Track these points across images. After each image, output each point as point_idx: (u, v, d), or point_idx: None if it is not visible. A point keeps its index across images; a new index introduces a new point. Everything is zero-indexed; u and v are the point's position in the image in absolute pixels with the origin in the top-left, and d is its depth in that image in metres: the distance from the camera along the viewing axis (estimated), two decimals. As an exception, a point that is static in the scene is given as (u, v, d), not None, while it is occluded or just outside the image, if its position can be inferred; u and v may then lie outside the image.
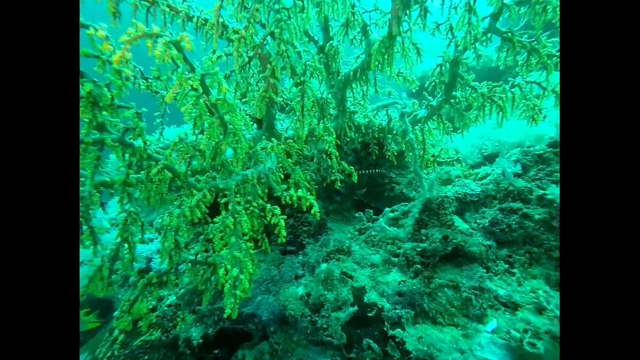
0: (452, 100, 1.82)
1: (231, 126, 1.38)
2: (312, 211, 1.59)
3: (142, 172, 1.35)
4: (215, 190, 1.50)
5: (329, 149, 1.96)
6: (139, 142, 1.28)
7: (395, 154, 2.80)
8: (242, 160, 1.46)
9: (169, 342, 2.02)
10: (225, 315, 1.18)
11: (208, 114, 1.22)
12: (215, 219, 1.33)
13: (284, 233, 1.53)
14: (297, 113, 1.96)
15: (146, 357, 2.00)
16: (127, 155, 1.24)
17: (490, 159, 2.92)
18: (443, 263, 1.88)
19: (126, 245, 1.35)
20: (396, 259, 1.97)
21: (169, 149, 1.28)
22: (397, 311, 1.72)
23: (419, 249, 1.89)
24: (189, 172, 1.52)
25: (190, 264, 1.51)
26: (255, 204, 1.57)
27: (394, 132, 2.58)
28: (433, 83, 1.83)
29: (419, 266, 1.84)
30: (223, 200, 1.47)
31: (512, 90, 1.74)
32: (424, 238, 1.99)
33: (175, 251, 1.36)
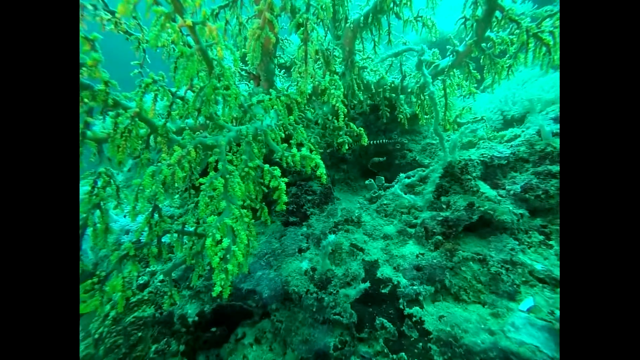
0: (484, 44, 1.52)
1: (218, 67, 1.10)
2: (318, 172, 1.35)
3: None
4: (202, 147, 1.25)
5: (337, 104, 1.69)
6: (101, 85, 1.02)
7: (408, 116, 2.52)
8: (233, 109, 1.20)
9: (163, 319, 1.86)
10: (214, 294, 0.97)
11: (183, 44, 0.95)
12: (202, 179, 1.09)
13: (284, 198, 1.30)
14: (299, 62, 1.67)
15: (139, 334, 1.86)
16: (85, 100, 0.98)
17: (514, 121, 2.62)
18: (466, 234, 1.66)
19: (98, 213, 1.12)
20: (413, 230, 1.75)
21: (139, 92, 1.02)
22: (414, 287, 1.52)
23: (439, 219, 1.67)
24: (171, 129, 1.26)
25: (176, 235, 1.29)
26: (252, 165, 1.32)
27: (409, 90, 2.28)
28: (462, 20, 1.51)
29: (439, 237, 1.62)
30: (212, 159, 1.23)
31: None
32: (444, 207, 1.76)
33: (155, 220, 1.13)
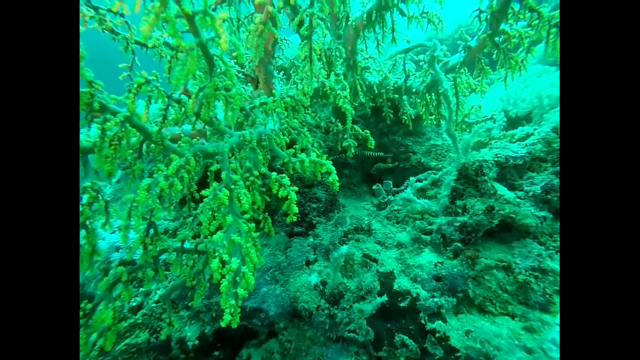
0: (497, 38, 1.43)
1: (219, 63, 0.98)
2: (330, 179, 1.23)
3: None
4: (203, 155, 1.12)
5: (344, 106, 1.57)
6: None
7: (413, 117, 2.43)
8: (236, 113, 1.08)
9: (159, 344, 1.70)
10: (223, 324, 0.84)
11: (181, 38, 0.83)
12: (204, 192, 0.96)
13: (295, 209, 1.18)
14: (303, 61, 1.56)
15: (133, 363, 1.69)
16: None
17: (519, 120, 2.56)
18: (485, 240, 1.56)
19: (83, 233, 0.98)
20: (428, 237, 1.64)
21: (130, 94, 0.89)
22: (435, 299, 1.40)
23: (457, 224, 1.56)
24: (167, 136, 1.13)
25: (175, 254, 1.15)
26: (257, 173, 1.20)
27: (413, 90, 2.19)
28: (476, 13, 1.42)
29: (458, 244, 1.51)
30: (214, 168, 1.10)
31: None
32: (459, 211, 1.66)
33: (151, 238, 1.00)
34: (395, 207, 1.85)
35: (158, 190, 0.90)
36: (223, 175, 1.05)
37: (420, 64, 2.04)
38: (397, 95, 2.36)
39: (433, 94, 2.11)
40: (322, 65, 1.95)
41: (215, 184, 1.02)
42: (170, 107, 1.02)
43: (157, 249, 1.05)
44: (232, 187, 1.03)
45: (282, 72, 2.64)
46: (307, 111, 2.12)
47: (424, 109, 2.29)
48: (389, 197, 1.92)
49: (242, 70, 2.01)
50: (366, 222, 1.78)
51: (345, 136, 2.05)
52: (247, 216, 1.05)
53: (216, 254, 0.89)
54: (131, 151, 1.04)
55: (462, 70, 1.63)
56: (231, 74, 0.96)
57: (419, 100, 2.25)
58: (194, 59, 0.81)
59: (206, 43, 0.90)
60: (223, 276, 0.89)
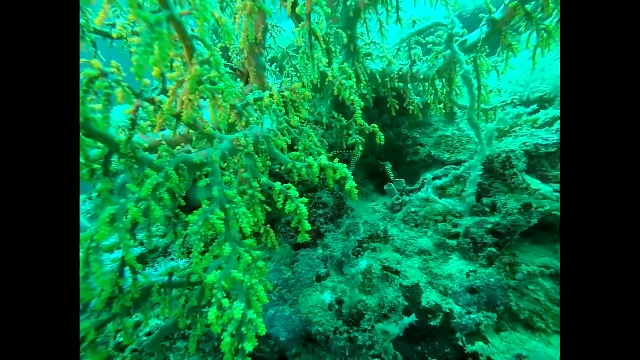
0: (529, 5, 1.21)
1: (200, 45, 0.75)
2: (347, 186, 1.02)
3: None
4: (187, 166, 0.89)
5: (350, 98, 1.35)
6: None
7: (421, 107, 2.22)
8: (226, 111, 0.86)
9: (155, 383, 1.48)
10: (229, 396, 0.63)
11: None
12: (190, 217, 0.74)
13: (306, 226, 0.96)
14: (301, 48, 1.33)
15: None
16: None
17: (531, 102, 2.37)
18: (520, 242, 1.36)
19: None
20: (454, 242, 1.45)
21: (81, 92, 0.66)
22: (472, 316, 1.21)
23: (488, 226, 1.37)
24: (141, 144, 0.90)
25: (160, 289, 0.92)
26: (256, 185, 0.98)
27: (421, 76, 1.98)
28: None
29: (492, 249, 1.32)
30: (202, 183, 0.87)
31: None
32: (487, 209, 1.46)
33: (121, 284, 0.77)
34: (412, 209, 1.64)
35: (130, 220, 0.68)
36: (214, 191, 0.83)
37: (429, 46, 1.83)
38: (402, 84, 2.14)
39: (444, 79, 1.90)
40: (321, 52, 1.72)
41: (205, 204, 0.80)
42: (141, 108, 0.79)
43: (137, 290, 0.83)
44: (228, 206, 0.81)
45: (274, 64, 2.39)
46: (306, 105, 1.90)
47: (432, 97, 2.09)
48: (404, 197, 1.71)
49: (230, 63, 1.78)
50: (381, 228, 1.57)
51: (350, 132, 1.83)
52: (248, 242, 0.83)
53: (215, 300, 0.67)
54: (96, 166, 0.81)
55: (483, 48, 1.43)
56: (217, 61, 0.73)
57: (427, 88, 2.04)
58: (164, 39, 0.58)
59: (180, 19, 0.66)
60: (224, 328, 0.67)
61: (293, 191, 0.96)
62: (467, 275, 1.31)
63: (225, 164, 1.01)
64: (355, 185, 1.03)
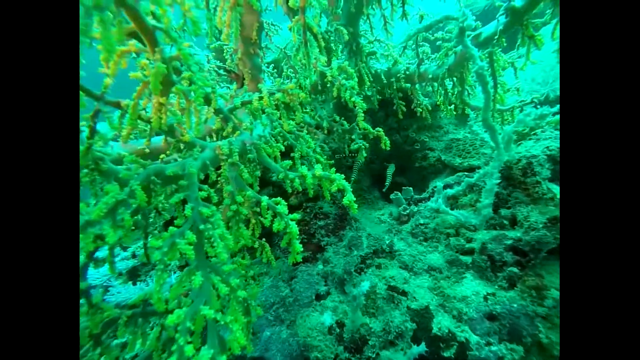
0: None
1: (162, 36, 0.64)
2: (345, 200, 0.89)
3: None
4: (158, 182, 0.77)
5: (352, 99, 1.22)
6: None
7: (430, 108, 2.08)
8: (203, 114, 0.74)
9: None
10: None
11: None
12: (152, 241, 0.62)
13: (298, 247, 0.83)
14: (296, 44, 1.21)
15: None
16: None
17: (550, 103, 2.19)
18: (547, 261, 1.20)
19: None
20: (468, 258, 1.29)
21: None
22: (493, 348, 1.05)
23: (507, 242, 1.21)
24: (111, 155, 0.78)
25: (127, 319, 0.81)
26: (241, 199, 0.85)
27: (430, 76, 1.84)
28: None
29: (514, 269, 1.16)
30: (174, 200, 0.75)
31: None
32: (506, 223, 1.30)
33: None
34: (421, 220, 1.49)
35: (84, 248, 0.56)
36: (187, 210, 0.71)
37: (438, 43, 1.69)
38: (409, 84, 2.01)
39: (455, 78, 1.75)
40: (320, 51, 1.60)
41: (174, 225, 0.68)
42: (101, 113, 0.68)
43: (99, 325, 0.71)
44: (202, 227, 0.69)
45: (273, 66, 2.29)
46: (305, 109, 1.78)
47: (442, 98, 1.94)
48: (412, 207, 1.57)
49: (224, 65, 1.67)
50: (387, 242, 1.43)
51: (353, 136, 1.70)
52: (227, 268, 0.71)
53: (174, 346, 0.55)
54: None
55: (500, 42, 1.28)
56: (185, 55, 0.61)
57: (436, 88, 1.90)
58: (107, 29, 0.46)
59: (136, 5, 0.55)
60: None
61: (282, 207, 0.84)
62: (485, 298, 1.16)
63: (207, 177, 0.89)
64: (355, 199, 0.90)
